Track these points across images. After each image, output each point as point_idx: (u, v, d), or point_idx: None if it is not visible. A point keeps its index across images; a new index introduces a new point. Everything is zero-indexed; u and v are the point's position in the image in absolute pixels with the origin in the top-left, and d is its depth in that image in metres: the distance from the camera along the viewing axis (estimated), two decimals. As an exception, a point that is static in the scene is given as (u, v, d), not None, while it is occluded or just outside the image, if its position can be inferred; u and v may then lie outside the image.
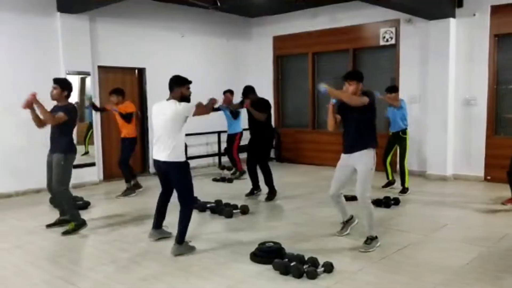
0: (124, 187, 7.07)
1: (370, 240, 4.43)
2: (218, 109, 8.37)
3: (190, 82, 4.57)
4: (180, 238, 4.39)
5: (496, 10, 7.48)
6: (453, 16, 7.82)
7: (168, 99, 4.45)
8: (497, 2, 7.44)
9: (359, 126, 4.36)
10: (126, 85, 8.23)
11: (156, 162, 4.48)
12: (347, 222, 4.86)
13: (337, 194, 4.66)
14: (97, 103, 7.73)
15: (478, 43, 7.68)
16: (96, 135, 8.12)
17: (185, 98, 4.47)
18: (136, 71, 8.87)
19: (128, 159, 7.02)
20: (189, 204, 4.48)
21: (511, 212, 5.73)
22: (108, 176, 8.28)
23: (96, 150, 8.12)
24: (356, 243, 4.53)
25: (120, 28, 8.37)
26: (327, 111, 4.51)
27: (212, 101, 4.71)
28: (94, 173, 8.04)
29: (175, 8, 9.18)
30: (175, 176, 4.41)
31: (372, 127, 4.47)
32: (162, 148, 4.35)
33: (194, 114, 4.37)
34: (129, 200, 6.78)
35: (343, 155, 4.56)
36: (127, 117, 6.83)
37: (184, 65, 9.42)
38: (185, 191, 4.43)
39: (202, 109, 4.51)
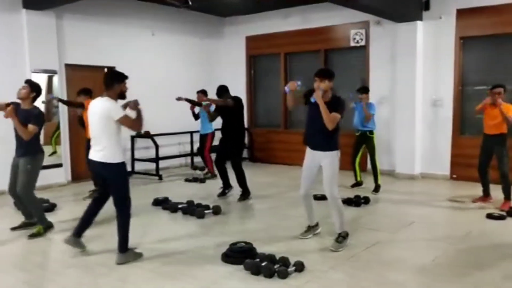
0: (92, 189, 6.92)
1: (342, 237, 4.49)
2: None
3: (127, 77, 4.33)
4: (123, 247, 4.20)
5: (461, 13, 7.71)
6: (420, 19, 8.02)
7: (103, 96, 4.14)
8: (462, 6, 7.67)
9: (325, 130, 4.37)
10: (95, 84, 8.03)
11: (91, 162, 4.22)
12: (312, 228, 4.87)
13: (308, 193, 4.69)
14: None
15: (444, 45, 7.90)
16: (63, 135, 7.94)
17: (123, 95, 4.26)
18: (106, 69, 8.70)
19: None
20: (126, 209, 4.26)
21: (475, 210, 5.91)
22: (76, 177, 8.10)
23: (64, 150, 7.93)
24: (327, 243, 4.58)
25: (88, 25, 8.21)
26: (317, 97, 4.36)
27: (134, 107, 4.28)
28: (62, 174, 7.85)
29: (145, 5, 9.07)
30: (110, 178, 4.17)
31: (337, 132, 4.50)
32: (98, 148, 4.11)
33: (121, 122, 4.08)
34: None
35: (309, 151, 4.57)
36: (80, 122, 6.68)
37: (155, 63, 9.37)
38: (120, 195, 4.21)
39: (129, 123, 4.15)
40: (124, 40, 8.79)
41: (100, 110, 4.06)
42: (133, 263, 4.17)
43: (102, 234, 4.96)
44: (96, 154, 4.13)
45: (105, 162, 4.09)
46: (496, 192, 6.09)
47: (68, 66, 7.93)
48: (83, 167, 7.37)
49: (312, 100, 4.38)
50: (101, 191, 4.45)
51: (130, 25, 8.90)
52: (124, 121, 4.07)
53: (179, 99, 8.17)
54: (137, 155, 8.95)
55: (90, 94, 6.76)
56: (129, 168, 8.91)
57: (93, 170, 4.40)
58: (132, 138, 8.90)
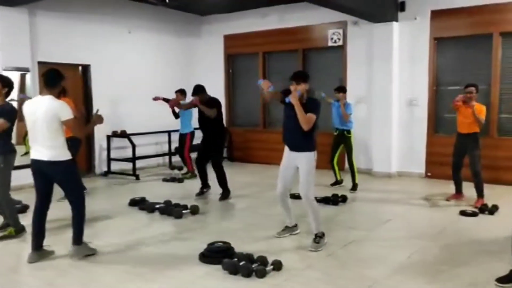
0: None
1: (319, 238, 4.47)
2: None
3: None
4: (78, 239, 4.23)
5: (436, 14, 7.85)
6: (396, 19, 8.14)
7: (44, 95, 4.08)
8: (437, 7, 7.81)
9: (302, 131, 4.38)
10: (69, 82, 7.89)
11: (37, 163, 4.08)
12: (290, 228, 4.85)
13: (285, 193, 4.68)
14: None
15: (419, 46, 8.03)
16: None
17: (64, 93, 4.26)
18: (80, 67, 8.55)
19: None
20: (81, 203, 4.27)
21: (450, 207, 6.03)
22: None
23: (38, 150, 7.74)
24: (305, 241, 4.60)
25: (62, 22, 8.04)
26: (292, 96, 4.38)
27: (96, 121, 4.30)
28: (35, 175, 7.66)
29: (122, 3, 8.95)
30: (62, 176, 4.12)
31: (313, 133, 4.51)
32: (43, 148, 4.02)
33: (67, 125, 4.05)
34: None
35: (286, 151, 4.58)
36: None
37: (132, 62, 9.25)
38: (74, 189, 4.27)
39: (78, 128, 4.24)
40: (100, 38, 8.64)
41: (46, 109, 3.96)
42: (106, 264, 4.09)
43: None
44: (43, 153, 4.03)
45: (55, 161, 4.02)
46: (468, 189, 6.21)
47: (41, 64, 7.73)
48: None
49: (286, 100, 4.39)
50: (39, 201, 4.26)
51: (106, 23, 8.76)
52: (72, 123, 4.08)
53: (155, 99, 8.12)
54: (113, 154, 8.81)
55: (64, 92, 6.62)
56: (105, 168, 8.79)
57: (37, 172, 4.15)
58: (108, 137, 8.77)
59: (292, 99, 4.33)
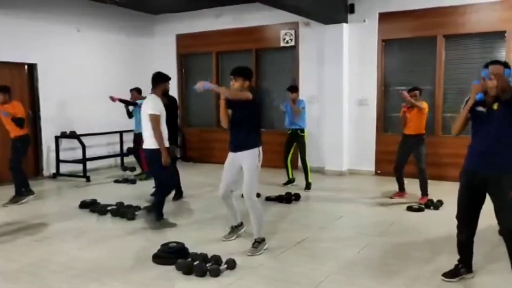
0: (13, 193, 6.50)
1: (258, 243, 4.34)
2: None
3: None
4: None
5: (383, 17, 8.14)
6: (346, 21, 8.36)
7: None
8: (384, 10, 8.10)
9: (243, 124, 4.33)
10: (14, 82, 7.59)
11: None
12: (236, 228, 4.77)
13: (227, 195, 4.53)
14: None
15: (368, 47, 8.29)
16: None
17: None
18: (26, 66, 8.21)
19: (20, 162, 6.46)
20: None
21: (397, 204, 6.23)
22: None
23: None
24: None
25: (6, 20, 7.68)
26: (221, 108, 4.41)
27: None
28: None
29: (69, 0, 8.66)
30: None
31: (257, 125, 4.43)
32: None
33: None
34: (19, 208, 6.25)
35: (229, 154, 4.50)
36: (19, 123, 6.28)
37: (81, 61, 8.99)
38: None
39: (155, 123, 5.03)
40: (47, 36, 8.33)
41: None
42: (55, 271, 3.97)
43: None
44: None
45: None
46: (412, 186, 6.43)
47: (-17, 62, 7.39)
48: (2, 169, 6.90)
49: (223, 97, 4.33)
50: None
51: (53, 21, 8.45)
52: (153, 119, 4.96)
53: (112, 99, 7.90)
54: (63, 156, 8.52)
55: (8, 92, 6.34)
56: (53, 170, 8.49)
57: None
58: (57, 138, 8.47)
59: (212, 87, 4.37)
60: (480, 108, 3.42)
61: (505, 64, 3.44)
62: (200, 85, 4.26)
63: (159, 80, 5.33)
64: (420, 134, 6.20)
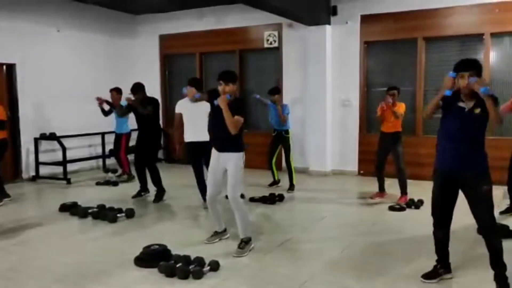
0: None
1: (244, 243, 4.34)
2: (109, 111, 8.04)
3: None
4: None
5: (365, 19, 8.21)
6: (329, 23, 8.41)
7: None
8: (366, 12, 8.17)
9: (228, 132, 4.26)
10: (-8, 82, 7.45)
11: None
12: (219, 233, 4.71)
13: (214, 198, 4.50)
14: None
15: (350, 49, 8.36)
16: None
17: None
18: (4, 67, 8.04)
19: None
20: None
21: (379, 203, 6.27)
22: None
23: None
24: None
25: (-16, 19, 7.54)
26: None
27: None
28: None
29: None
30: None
31: (241, 133, 4.38)
32: None
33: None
34: (-3, 210, 6.13)
35: (214, 152, 4.45)
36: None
37: (62, 61, 8.86)
38: None
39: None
40: (26, 36, 8.17)
41: None
42: (35, 275, 3.89)
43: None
44: None
45: None
46: (392, 186, 6.47)
47: (-41, 62, 7.22)
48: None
49: (215, 103, 4.28)
50: None
51: (32, 20, 8.30)
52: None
53: (99, 100, 7.80)
54: (42, 158, 8.37)
55: None
56: (32, 173, 8.34)
57: None
58: (36, 140, 8.31)
59: (221, 103, 4.19)
60: (462, 104, 3.40)
61: (476, 64, 3.41)
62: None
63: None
64: (397, 132, 6.22)
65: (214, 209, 4.59)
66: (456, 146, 3.41)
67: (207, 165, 4.64)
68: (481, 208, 3.41)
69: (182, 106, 6.01)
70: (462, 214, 3.67)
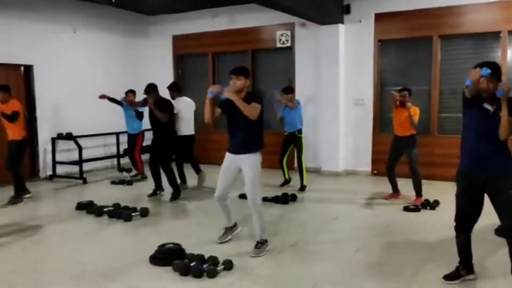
0: (12, 194, 6.48)
1: (261, 244, 4.34)
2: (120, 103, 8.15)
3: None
4: None
5: (379, 17, 8.16)
6: (342, 22, 8.38)
7: None
8: (380, 10, 8.12)
9: (247, 128, 4.24)
10: (10, 84, 7.50)
11: None
12: (230, 229, 4.72)
13: (223, 197, 4.49)
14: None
15: (364, 47, 8.31)
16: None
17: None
18: (22, 68, 8.18)
19: (17, 164, 6.45)
20: None
21: (393, 204, 6.23)
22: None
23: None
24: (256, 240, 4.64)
25: (0, 20, 7.65)
26: (205, 104, 4.36)
27: None
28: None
29: (65, 1, 8.64)
30: None
31: (260, 130, 4.36)
32: None
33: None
34: (17, 209, 6.24)
35: (228, 155, 4.43)
36: (11, 117, 6.27)
37: (77, 62, 8.98)
38: None
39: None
40: (43, 38, 8.30)
41: None
42: (47, 273, 3.96)
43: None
44: None
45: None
46: (408, 187, 6.37)
47: (-22, 64, 7.37)
48: (2, 171, 6.88)
49: (222, 96, 4.21)
50: None
51: (49, 22, 8.43)
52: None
53: (102, 97, 7.97)
54: (59, 157, 8.50)
55: (8, 91, 6.37)
56: (50, 172, 8.47)
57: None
58: (53, 140, 8.45)
59: (227, 93, 4.12)
60: (487, 106, 3.33)
61: (495, 66, 3.31)
62: (216, 89, 4.20)
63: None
64: (412, 135, 6.12)
65: (223, 206, 4.59)
66: (481, 147, 3.34)
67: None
68: (506, 210, 3.31)
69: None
70: (485, 214, 3.58)
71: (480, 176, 3.37)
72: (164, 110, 6.45)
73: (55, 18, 8.55)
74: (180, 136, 7.07)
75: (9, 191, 6.58)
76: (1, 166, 6.65)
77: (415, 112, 6.01)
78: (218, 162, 4.68)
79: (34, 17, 8.16)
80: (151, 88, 6.59)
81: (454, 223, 3.61)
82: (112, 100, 8.04)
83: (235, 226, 4.79)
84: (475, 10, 7.43)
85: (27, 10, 8.06)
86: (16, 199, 6.42)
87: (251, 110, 4.14)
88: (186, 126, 7.21)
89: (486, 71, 3.21)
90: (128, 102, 7.94)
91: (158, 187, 6.83)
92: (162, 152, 6.63)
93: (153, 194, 6.78)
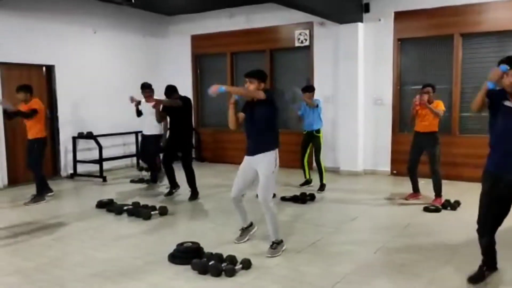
0: (33, 192, 6.62)
1: (276, 244, 4.32)
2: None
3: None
4: None
5: (399, 16, 8.06)
6: (361, 20, 8.30)
7: None
8: (400, 8, 8.02)
9: (260, 129, 4.27)
10: (32, 84, 7.66)
11: None
12: (246, 229, 4.72)
13: (238, 198, 4.51)
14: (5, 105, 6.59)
15: (383, 46, 8.23)
16: (-2, 136, 7.51)
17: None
18: (44, 68, 8.34)
19: (39, 163, 6.56)
20: None
21: (413, 204, 6.16)
22: (13, 180, 7.69)
23: (-1, 152, 7.51)
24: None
25: (23, 21, 7.80)
26: (228, 108, 4.39)
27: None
28: (-3, 178, 7.44)
29: (86, 2, 8.77)
30: None
31: (273, 127, 4.34)
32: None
33: None
34: (39, 207, 6.36)
35: (246, 158, 4.41)
36: (27, 115, 6.36)
37: (97, 62, 9.11)
38: None
39: None
40: (64, 38, 8.46)
41: None
42: (71, 270, 4.02)
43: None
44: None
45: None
46: (429, 187, 6.28)
47: (2, 64, 7.52)
48: (21, 170, 7.03)
49: (236, 97, 4.27)
50: None
51: (70, 23, 8.57)
52: None
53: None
54: (80, 156, 8.64)
55: (30, 90, 6.48)
56: (71, 170, 8.61)
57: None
58: (74, 139, 8.59)
59: (225, 87, 4.24)
60: (508, 103, 3.25)
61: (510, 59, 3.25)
62: (214, 89, 4.25)
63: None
64: (433, 132, 6.01)
65: (239, 207, 4.60)
66: (507, 147, 3.26)
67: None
68: None
69: None
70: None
71: (506, 178, 3.29)
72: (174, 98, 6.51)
73: (76, 19, 8.68)
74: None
75: (32, 189, 6.72)
76: (23, 165, 6.78)
77: (437, 104, 5.92)
78: (234, 161, 4.68)
79: (55, 19, 8.30)
80: (171, 90, 6.64)
81: (476, 225, 3.54)
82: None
83: (251, 225, 4.79)
84: (497, 8, 7.29)
85: (49, 11, 8.20)
86: (38, 197, 6.54)
87: (248, 90, 4.28)
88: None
89: (505, 66, 3.17)
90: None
91: (173, 185, 6.86)
92: (183, 151, 6.65)
93: (170, 193, 6.82)
